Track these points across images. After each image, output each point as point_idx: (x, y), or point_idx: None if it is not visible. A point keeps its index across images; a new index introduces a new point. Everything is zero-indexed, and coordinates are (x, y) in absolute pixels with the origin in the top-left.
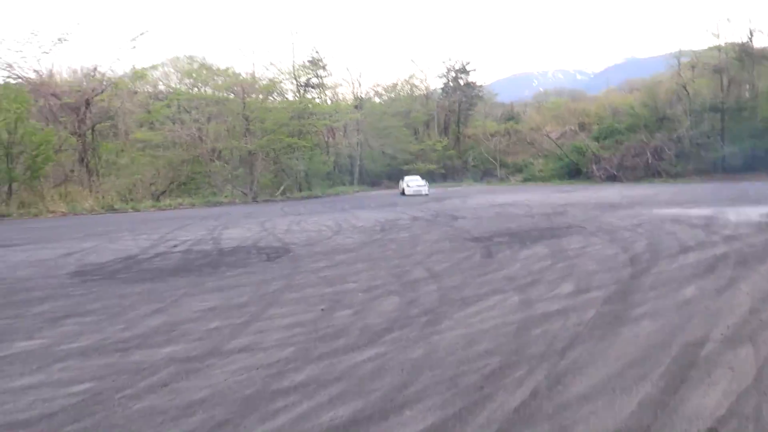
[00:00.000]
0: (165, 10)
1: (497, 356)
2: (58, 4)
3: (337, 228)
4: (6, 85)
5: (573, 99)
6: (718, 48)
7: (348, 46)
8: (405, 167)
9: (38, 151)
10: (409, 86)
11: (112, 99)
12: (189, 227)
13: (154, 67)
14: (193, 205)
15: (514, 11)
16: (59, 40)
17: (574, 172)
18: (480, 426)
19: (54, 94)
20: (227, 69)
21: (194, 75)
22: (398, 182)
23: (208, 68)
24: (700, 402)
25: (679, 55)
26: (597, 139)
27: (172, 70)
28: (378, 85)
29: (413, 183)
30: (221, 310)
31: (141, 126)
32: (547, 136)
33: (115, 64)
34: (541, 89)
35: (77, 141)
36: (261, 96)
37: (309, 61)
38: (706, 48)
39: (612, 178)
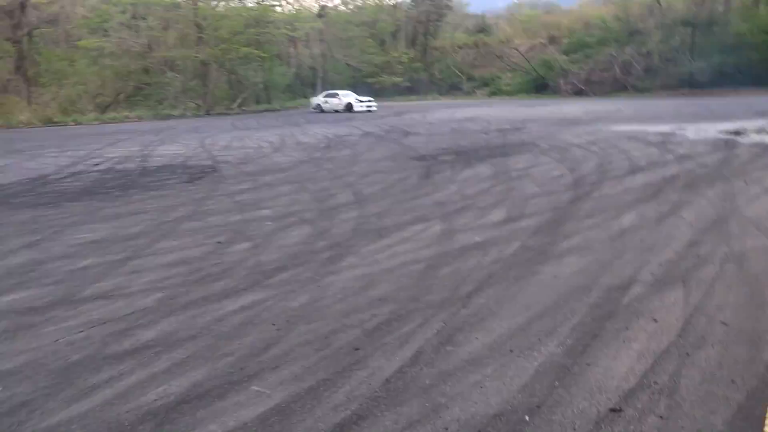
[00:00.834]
0: None
1: (391, 304)
2: None
3: (279, 144)
4: None
5: (547, 11)
6: None
7: None
8: (369, 80)
9: None
10: None
11: (51, 2)
12: (124, 143)
13: None
14: (140, 119)
15: None
16: None
17: (541, 86)
18: (334, 407)
19: None
20: None
21: None
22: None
23: None
24: (609, 368)
25: None
26: (566, 52)
27: None
28: None
29: (335, 98)
30: (103, 244)
31: (85, 32)
32: (516, 49)
33: None
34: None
35: (13, 48)
36: (215, 2)
37: None
38: None
39: (579, 93)
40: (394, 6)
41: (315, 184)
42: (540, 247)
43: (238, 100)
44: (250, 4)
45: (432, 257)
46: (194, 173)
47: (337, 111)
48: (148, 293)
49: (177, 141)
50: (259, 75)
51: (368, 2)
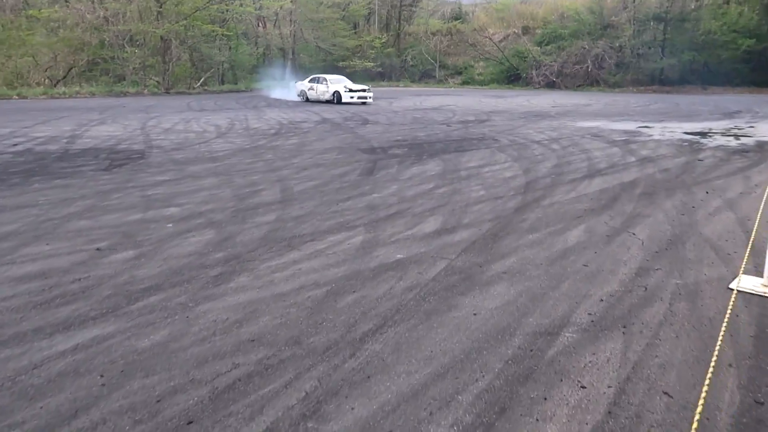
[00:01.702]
0: None
1: (263, 349)
2: None
3: (226, 129)
4: None
5: (522, 1)
6: None
7: None
8: (341, 63)
9: None
10: None
11: None
12: (60, 121)
13: None
14: (92, 95)
15: None
16: None
17: (513, 77)
18: None
19: None
20: None
21: None
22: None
23: None
24: None
25: None
26: (540, 44)
27: None
28: None
29: (336, 86)
30: None
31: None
32: (489, 38)
33: None
34: None
35: None
36: None
37: None
38: None
39: (551, 85)
40: None
41: (244, 178)
42: (467, 270)
43: (201, 80)
44: None
45: (338, 279)
46: (117, 159)
47: (323, 101)
48: None
49: (118, 121)
50: (224, 54)
51: None
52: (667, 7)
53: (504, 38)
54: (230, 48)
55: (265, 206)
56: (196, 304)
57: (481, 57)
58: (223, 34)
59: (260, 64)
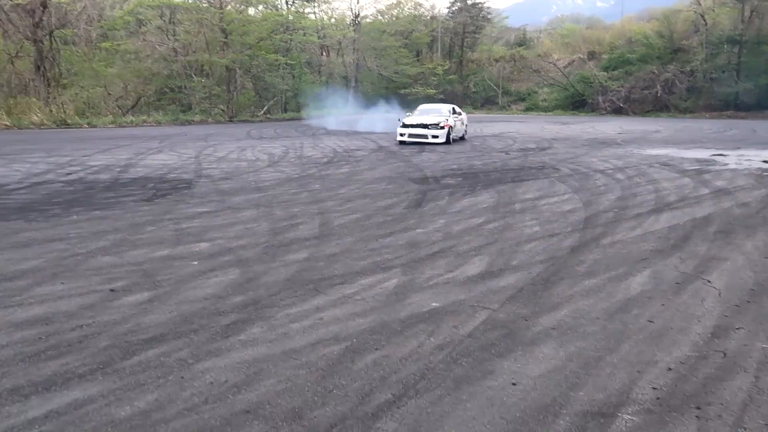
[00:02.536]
0: None
1: (256, 425)
2: None
3: (279, 157)
4: None
5: (589, 26)
6: None
7: None
8: (403, 91)
9: None
10: (413, 4)
11: (72, 1)
12: (119, 150)
13: None
14: (159, 123)
15: None
16: None
17: (578, 102)
18: None
19: None
20: None
21: None
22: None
23: None
24: None
25: None
26: (606, 69)
27: None
28: (379, 1)
29: (432, 116)
30: None
31: (106, 33)
32: (554, 64)
33: None
34: (559, 15)
35: (33, 48)
36: (242, 6)
37: None
38: None
39: (618, 111)
40: (431, 17)
41: (284, 210)
42: (510, 324)
43: (264, 108)
44: (281, 10)
45: (361, 333)
46: (163, 189)
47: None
48: None
49: (176, 150)
50: (287, 82)
51: (404, 12)
52: (741, 29)
53: (569, 64)
54: (293, 76)
55: (300, 242)
56: (197, 361)
57: (545, 83)
58: (286, 63)
59: (323, 92)
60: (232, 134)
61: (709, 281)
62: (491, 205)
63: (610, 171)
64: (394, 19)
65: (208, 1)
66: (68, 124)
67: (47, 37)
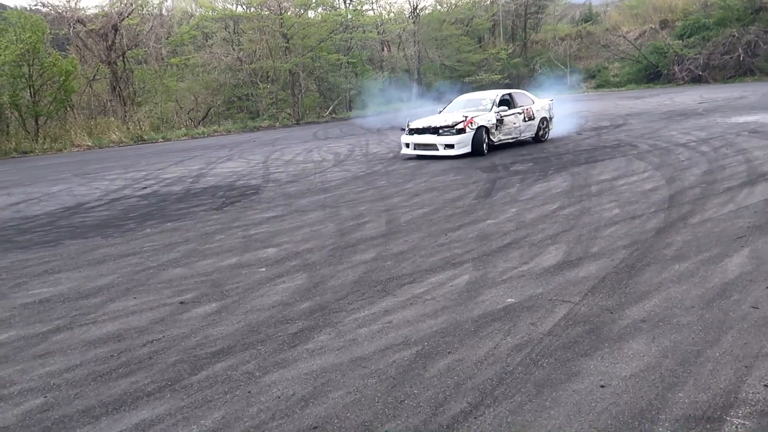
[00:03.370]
0: None
1: None
2: None
3: (345, 156)
4: (19, 12)
5: None
6: None
7: None
8: (467, 79)
9: (61, 83)
10: None
11: (140, 23)
12: (191, 161)
13: None
14: (228, 132)
15: None
16: None
17: (653, 75)
18: None
19: (79, 21)
20: None
21: None
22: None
23: None
24: None
25: None
26: (681, 37)
27: None
28: None
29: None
30: (49, 305)
31: (175, 49)
32: (623, 37)
33: None
34: None
35: (108, 70)
36: (301, 10)
37: None
38: None
39: (696, 80)
40: (491, 1)
41: (351, 209)
42: (594, 319)
43: (330, 108)
44: (340, 9)
45: (432, 336)
46: (232, 197)
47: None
48: (22, 399)
49: (245, 156)
50: (350, 81)
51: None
52: None
53: (640, 35)
54: (356, 74)
55: (367, 242)
56: (264, 373)
57: (615, 58)
58: (348, 62)
59: (386, 87)
60: (298, 137)
61: None
62: (565, 190)
63: (693, 143)
64: (453, 7)
65: (269, 9)
66: (144, 140)
67: (120, 58)
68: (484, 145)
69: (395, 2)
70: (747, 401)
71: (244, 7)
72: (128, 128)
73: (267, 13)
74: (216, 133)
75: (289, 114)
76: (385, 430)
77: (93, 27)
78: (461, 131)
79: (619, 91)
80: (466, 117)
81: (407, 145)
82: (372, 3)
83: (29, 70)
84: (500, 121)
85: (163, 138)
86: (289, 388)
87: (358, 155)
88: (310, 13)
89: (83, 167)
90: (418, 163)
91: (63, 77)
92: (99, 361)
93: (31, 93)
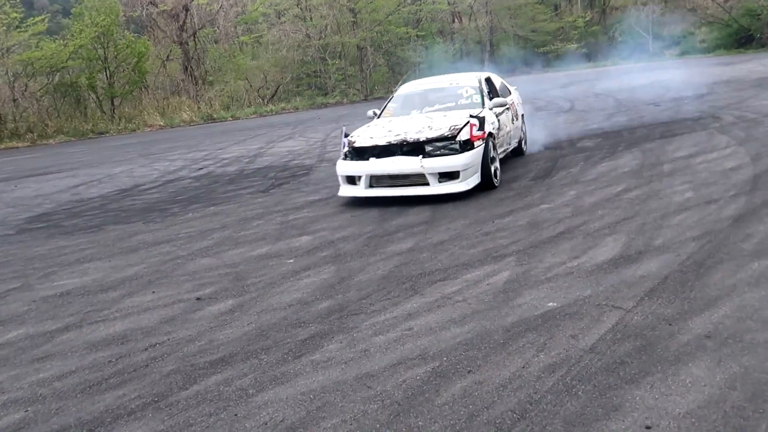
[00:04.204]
0: None
1: None
2: None
3: None
4: None
5: None
6: None
7: None
8: (542, 49)
9: (134, 64)
10: None
11: (211, 2)
12: (253, 140)
13: None
14: (296, 109)
15: None
16: None
17: (744, 39)
18: None
19: (151, 2)
20: None
21: None
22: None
23: None
24: None
25: None
26: None
27: None
28: None
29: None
30: (70, 298)
31: (249, 28)
32: None
33: None
34: None
35: (180, 50)
36: None
37: None
38: None
39: None
40: None
41: None
42: (648, 332)
43: (399, 83)
44: None
45: (454, 348)
46: (282, 178)
47: None
48: (2, 412)
49: (306, 135)
50: (419, 55)
51: None
52: None
53: None
54: (425, 48)
55: (407, 229)
56: (259, 390)
57: (702, 22)
58: (416, 35)
59: (456, 60)
60: (364, 113)
61: None
62: (634, 169)
63: None
64: None
65: None
66: (214, 119)
67: (192, 38)
68: (495, 169)
69: None
70: None
71: None
72: (199, 107)
73: None
74: (284, 111)
75: (358, 90)
76: None
77: (165, 8)
78: (468, 146)
79: (706, 58)
80: (471, 117)
81: (354, 180)
82: None
83: (104, 53)
84: (497, 126)
85: (232, 117)
86: (279, 412)
87: None
88: None
89: (150, 147)
90: None
91: (136, 59)
92: (95, 368)
93: (106, 75)
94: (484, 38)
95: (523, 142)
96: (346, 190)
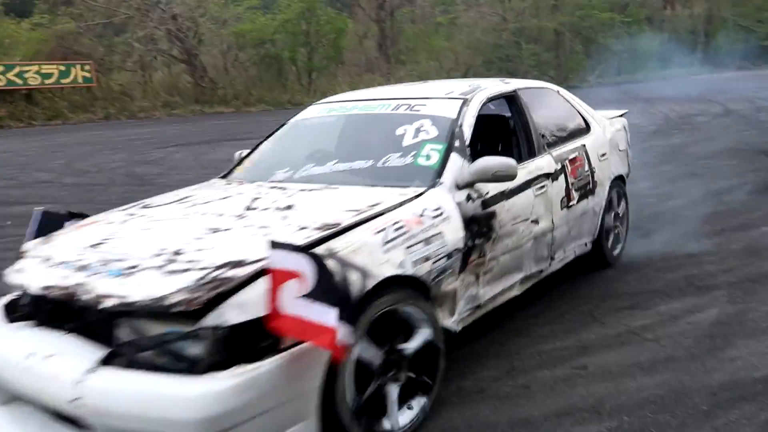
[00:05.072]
0: None
1: None
2: None
3: None
4: None
5: None
6: None
7: None
8: (766, 42)
9: (332, 40)
10: None
11: None
12: None
13: None
14: None
15: None
16: None
17: None
18: None
19: None
20: None
21: None
22: None
23: None
24: None
25: None
26: None
27: None
28: None
29: None
30: None
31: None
32: None
33: None
34: None
35: (377, 28)
36: None
37: None
38: None
39: None
40: None
41: None
42: None
43: (596, 71)
44: None
45: (636, 407)
46: None
47: None
48: None
49: None
50: (622, 42)
51: None
52: None
53: None
54: (629, 35)
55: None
56: None
57: None
58: (622, 21)
59: (664, 51)
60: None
61: None
62: None
63: None
64: None
65: None
66: None
67: (389, 16)
68: None
69: None
70: None
71: None
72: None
73: None
74: None
75: (551, 77)
76: None
77: None
78: (244, 347)
79: None
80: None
81: None
82: None
83: (307, 28)
84: (481, 225)
85: None
86: None
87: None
88: None
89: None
90: (683, 141)
91: (335, 35)
92: None
93: (307, 49)
94: (699, 28)
95: (611, 237)
96: None
